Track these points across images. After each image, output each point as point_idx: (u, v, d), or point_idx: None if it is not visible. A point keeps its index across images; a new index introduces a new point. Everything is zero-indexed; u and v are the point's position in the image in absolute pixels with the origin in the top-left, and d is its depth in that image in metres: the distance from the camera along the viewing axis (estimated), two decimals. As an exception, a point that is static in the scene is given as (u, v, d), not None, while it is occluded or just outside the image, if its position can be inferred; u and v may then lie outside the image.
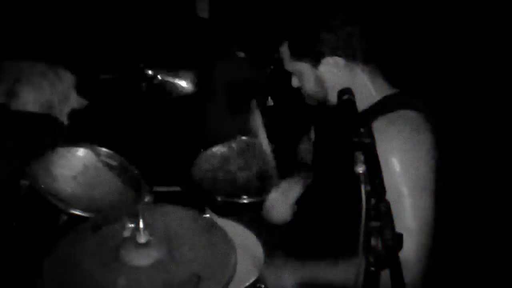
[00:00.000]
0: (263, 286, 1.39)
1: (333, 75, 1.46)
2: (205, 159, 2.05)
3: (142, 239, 1.09)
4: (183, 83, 2.05)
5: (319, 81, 1.50)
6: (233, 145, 2.14)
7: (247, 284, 1.35)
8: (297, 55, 1.50)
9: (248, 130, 2.10)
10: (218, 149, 2.10)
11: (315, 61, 1.46)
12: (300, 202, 1.70)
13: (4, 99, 1.64)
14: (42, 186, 1.53)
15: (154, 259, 1.08)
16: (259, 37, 2.86)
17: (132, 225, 1.14)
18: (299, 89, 1.59)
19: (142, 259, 1.08)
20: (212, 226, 1.26)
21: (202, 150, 2.06)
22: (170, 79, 2.03)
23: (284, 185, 1.74)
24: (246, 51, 2.92)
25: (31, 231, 1.59)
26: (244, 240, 1.51)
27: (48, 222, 1.57)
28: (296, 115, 2.26)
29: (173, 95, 2.06)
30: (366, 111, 1.42)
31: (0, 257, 1.53)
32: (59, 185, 1.61)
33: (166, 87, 2.04)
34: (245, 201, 1.82)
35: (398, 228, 0.85)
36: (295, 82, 1.58)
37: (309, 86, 1.53)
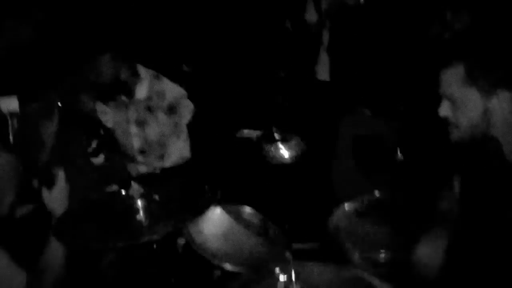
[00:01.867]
0: None
1: (504, 112, 1.37)
2: (339, 216, 2.09)
3: (294, 290, 1.19)
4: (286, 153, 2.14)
5: (486, 114, 1.39)
6: (365, 200, 2.16)
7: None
8: (474, 78, 1.38)
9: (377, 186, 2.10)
10: (351, 205, 2.14)
11: (488, 91, 1.37)
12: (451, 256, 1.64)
13: None
14: (198, 243, 1.71)
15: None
16: (383, 93, 2.91)
17: (285, 278, 1.23)
18: (445, 120, 1.48)
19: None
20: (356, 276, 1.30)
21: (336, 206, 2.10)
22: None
23: (430, 237, 1.70)
24: (371, 108, 2.97)
25: (189, 286, 1.77)
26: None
27: (204, 278, 1.73)
28: (432, 165, 2.22)
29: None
30: None
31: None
32: (211, 242, 1.79)
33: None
34: (382, 255, 1.81)
35: None
36: (444, 111, 1.47)
37: (470, 117, 1.41)
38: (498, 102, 1.37)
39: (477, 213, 1.49)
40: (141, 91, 2.38)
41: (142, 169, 2.39)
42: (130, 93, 2.36)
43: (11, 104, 2.35)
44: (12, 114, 2.35)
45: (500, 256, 1.30)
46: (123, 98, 2.36)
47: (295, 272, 1.21)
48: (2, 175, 1.58)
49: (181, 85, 2.48)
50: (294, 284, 1.20)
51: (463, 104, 1.41)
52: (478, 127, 1.42)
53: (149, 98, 2.37)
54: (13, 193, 1.61)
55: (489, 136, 1.43)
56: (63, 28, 2.92)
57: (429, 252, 1.65)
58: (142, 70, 2.40)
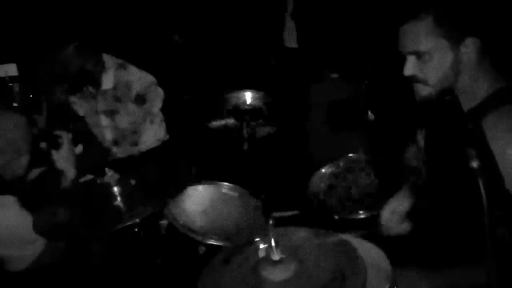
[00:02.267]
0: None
1: (470, 59, 1.38)
2: (317, 181, 2.14)
3: (276, 256, 1.22)
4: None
5: (455, 63, 1.40)
6: (341, 163, 2.20)
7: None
8: (443, 29, 1.38)
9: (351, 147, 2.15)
10: (327, 169, 2.18)
11: (457, 40, 1.38)
12: (417, 209, 1.70)
13: None
14: (181, 223, 1.74)
15: (289, 273, 1.20)
16: (349, 56, 2.93)
17: (265, 246, 1.26)
18: (411, 79, 1.48)
19: (278, 274, 1.20)
20: (338, 241, 1.34)
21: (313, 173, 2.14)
22: None
23: (397, 196, 1.75)
24: (339, 72, 2.99)
25: (176, 265, 1.80)
26: (370, 254, 1.55)
27: (189, 255, 1.76)
28: (399, 122, 2.27)
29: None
30: (476, 107, 1.40)
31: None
32: (193, 220, 1.82)
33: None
34: (362, 216, 1.87)
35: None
36: (409, 69, 1.46)
37: (440, 69, 1.42)
38: (466, 50, 1.38)
39: (441, 166, 1.54)
40: (107, 81, 2.34)
41: (119, 155, 2.38)
42: (96, 84, 2.33)
43: (10, 69, 2.42)
44: (12, 78, 2.43)
45: (463, 208, 1.35)
46: (90, 89, 2.33)
47: (275, 239, 1.24)
48: (17, 136, 1.66)
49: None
50: (275, 251, 1.23)
51: (433, 57, 1.40)
52: (447, 79, 1.43)
53: (115, 88, 2.35)
54: (28, 153, 1.69)
55: (453, 89, 1.47)
56: (26, 18, 2.86)
57: (394, 208, 1.71)
58: (107, 60, 2.36)
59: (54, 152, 1.75)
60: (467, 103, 1.40)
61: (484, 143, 0.95)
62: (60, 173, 1.77)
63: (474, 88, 1.41)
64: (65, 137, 1.77)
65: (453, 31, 1.38)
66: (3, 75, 2.43)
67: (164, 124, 2.50)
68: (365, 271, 1.21)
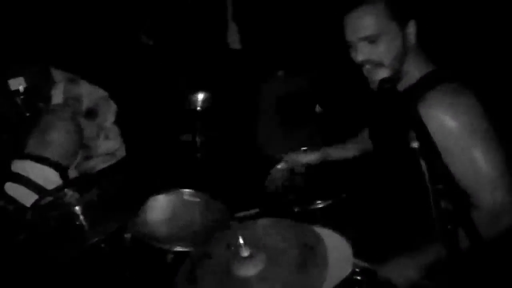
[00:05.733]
0: (358, 276, 1.48)
1: (412, 39, 1.50)
2: (275, 177, 2.20)
3: (245, 253, 1.27)
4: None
5: (404, 44, 1.50)
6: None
7: (344, 276, 1.46)
8: (394, 12, 1.47)
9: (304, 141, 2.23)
10: (283, 165, 2.25)
11: (404, 21, 1.48)
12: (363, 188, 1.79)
13: None
14: (146, 233, 1.75)
15: (261, 264, 1.26)
16: (293, 52, 3.02)
17: (232, 245, 1.31)
18: (363, 64, 1.55)
19: (252, 268, 1.26)
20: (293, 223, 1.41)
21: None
22: None
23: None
24: (284, 69, 3.07)
25: (145, 276, 1.81)
26: (330, 239, 1.63)
27: (158, 264, 1.77)
28: (346, 113, 2.38)
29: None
30: (411, 89, 1.51)
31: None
32: (158, 230, 1.83)
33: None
34: (320, 205, 1.95)
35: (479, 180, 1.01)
36: (362, 55, 1.53)
37: (393, 49, 1.50)
38: (409, 32, 1.49)
39: (385, 149, 1.65)
40: (57, 96, 2.31)
41: (73, 173, 2.35)
42: (45, 99, 2.29)
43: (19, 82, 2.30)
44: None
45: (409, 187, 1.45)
46: (41, 104, 2.29)
47: (242, 237, 1.29)
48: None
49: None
50: (243, 248, 1.28)
51: (384, 39, 1.48)
52: (400, 60, 1.51)
53: (66, 102, 2.32)
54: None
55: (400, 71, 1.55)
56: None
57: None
58: (56, 74, 2.33)
59: None
60: (405, 85, 1.52)
61: (420, 122, 1.04)
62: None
63: (412, 71, 1.53)
64: None
65: (401, 13, 1.47)
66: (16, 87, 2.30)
67: (120, 138, 2.49)
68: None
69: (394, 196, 1.64)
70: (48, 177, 1.95)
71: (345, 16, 1.52)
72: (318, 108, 2.70)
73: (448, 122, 1.38)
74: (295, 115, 2.90)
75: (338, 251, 1.52)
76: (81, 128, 2.26)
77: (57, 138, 2.07)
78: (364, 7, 1.48)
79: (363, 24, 1.48)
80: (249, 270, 1.26)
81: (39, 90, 2.25)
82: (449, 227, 0.95)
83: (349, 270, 1.45)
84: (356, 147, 2.02)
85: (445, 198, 0.96)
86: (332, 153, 2.04)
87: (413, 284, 1.42)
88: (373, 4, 1.47)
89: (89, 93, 2.37)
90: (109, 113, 2.43)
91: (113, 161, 2.45)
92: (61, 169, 2.03)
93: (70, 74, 2.37)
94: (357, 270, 1.46)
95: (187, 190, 2.02)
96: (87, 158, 2.39)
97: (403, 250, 1.50)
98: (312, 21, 2.93)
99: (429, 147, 1.01)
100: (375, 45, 1.50)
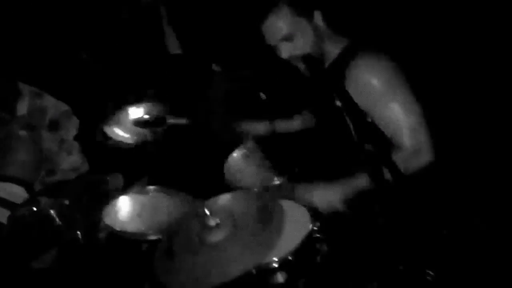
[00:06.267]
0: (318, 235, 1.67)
1: (322, 28, 1.74)
2: (232, 164, 2.37)
3: (212, 222, 1.45)
4: None
5: (317, 32, 1.75)
6: (248, 144, 2.46)
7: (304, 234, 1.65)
8: (299, 10, 1.71)
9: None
10: (238, 152, 2.43)
11: (309, 15, 1.72)
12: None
13: None
14: (119, 230, 1.88)
15: (229, 230, 1.44)
16: (230, 48, 3.19)
17: (200, 217, 1.49)
18: (290, 58, 1.77)
19: (221, 234, 1.45)
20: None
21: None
22: None
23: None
24: (223, 64, 3.25)
25: (125, 268, 1.94)
26: (289, 204, 1.80)
27: (134, 254, 1.91)
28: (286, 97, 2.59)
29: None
30: (334, 62, 1.73)
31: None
32: (130, 225, 1.97)
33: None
34: (277, 182, 2.14)
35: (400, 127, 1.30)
36: (285, 52, 1.76)
37: (309, 40, 1.74)
38: (316, 20, 1.73)
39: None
40: (22, 108, 2.39)
41: (37, 185, 2.43)
42: (11, 111, 2.37)
43: None
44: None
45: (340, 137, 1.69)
46: (5, 115, 2.36)
47: (208, 209, 1.46)
48: None
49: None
50: (210, 218, 1.46)
51: (298, 34, 1.71)
52: (317, 44, 1.75)
53: (30, 114, 2.39)
54: None
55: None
56: None
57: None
58: (23, 88, 2.41)
59: None
60: (329, 62, 1.76)
61: (342, 86, 1.26)
62: None
63: (332, 50, 1.77)
64: None
65: (304, 9, 1.71)
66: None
67: (81, 155, 2.59)
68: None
69: (331, 153, 1.87)
70: (17, 193, 2.03)
71: (261, 27, 1.76)
72: (262, 95, 2.89)
73: (372, 80, 1.63)
74: (242, 106, 3.08)
75: (296, 215, 1.69)
76: (41, 146, 2.34)
77: (19, 158, 2.15)
78: (273, 14, 1.73)
79: (276, 28, 1.73)
80: (217, 236, 1.44)
81: (5, 101, 2.32)
82: (373, 166, 1.18)
83: (307, 229, 1.59)
84: (300, 121, 2.24)
85: (369, 143, 1.17)
86: (279, 125, 2.24)
87: (334, 210, 1.65)
88: (278, 9, 1.72)
89: (53, 105, 2.46)
90: (71, 127, 2.52)
91: (73, 176, 2.54)
92: (26, 185, 2.12)
93: (36, 89, 2.46)
94: (315, 228, 1.64)
95: (152, 186, 2.17)
96: (51, 172, 2.47)
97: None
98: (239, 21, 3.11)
99: (351, 104, 1.22)
100: (293, 42, 1.74)
